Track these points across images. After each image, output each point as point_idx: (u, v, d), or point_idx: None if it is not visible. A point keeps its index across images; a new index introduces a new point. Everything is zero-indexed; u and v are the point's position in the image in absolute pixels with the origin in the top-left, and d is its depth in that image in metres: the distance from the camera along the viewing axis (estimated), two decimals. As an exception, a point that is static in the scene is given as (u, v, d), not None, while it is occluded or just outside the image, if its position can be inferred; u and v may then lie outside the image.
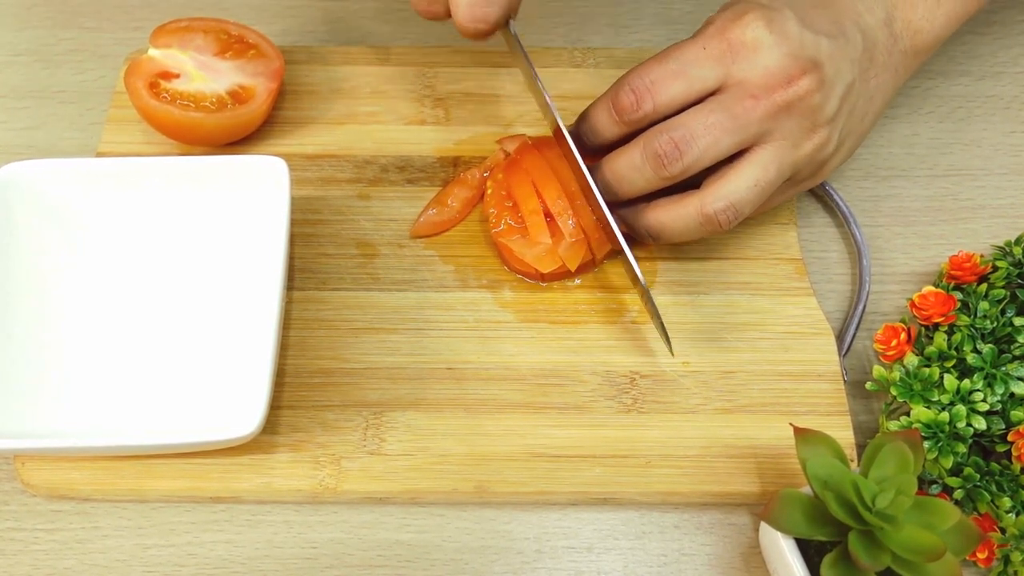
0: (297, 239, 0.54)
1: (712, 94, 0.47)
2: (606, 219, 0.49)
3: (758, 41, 0.46)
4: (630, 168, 0.48)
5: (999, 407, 0.46)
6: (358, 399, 0.49)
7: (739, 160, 0.47)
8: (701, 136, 0.46)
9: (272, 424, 0.48)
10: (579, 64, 0.61)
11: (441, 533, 0.48)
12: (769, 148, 0.47)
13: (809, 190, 0.58)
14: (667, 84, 0.47)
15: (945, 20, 0.51)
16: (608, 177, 0.49)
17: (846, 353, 0.52)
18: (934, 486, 0.47)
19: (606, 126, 0.49)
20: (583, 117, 0.50)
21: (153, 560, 0.47)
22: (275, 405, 0.49)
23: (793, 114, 0.46)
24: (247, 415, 0.44)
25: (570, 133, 0.49)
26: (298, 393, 0.50)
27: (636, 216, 0.50)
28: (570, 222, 0.51)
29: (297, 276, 0.53)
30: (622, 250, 0.49)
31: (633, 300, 0.53)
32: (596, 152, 0.50)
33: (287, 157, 0.51)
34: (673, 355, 0.50)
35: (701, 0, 0.66)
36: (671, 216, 0.48)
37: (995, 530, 0.45)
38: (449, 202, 0.55)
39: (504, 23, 0.47)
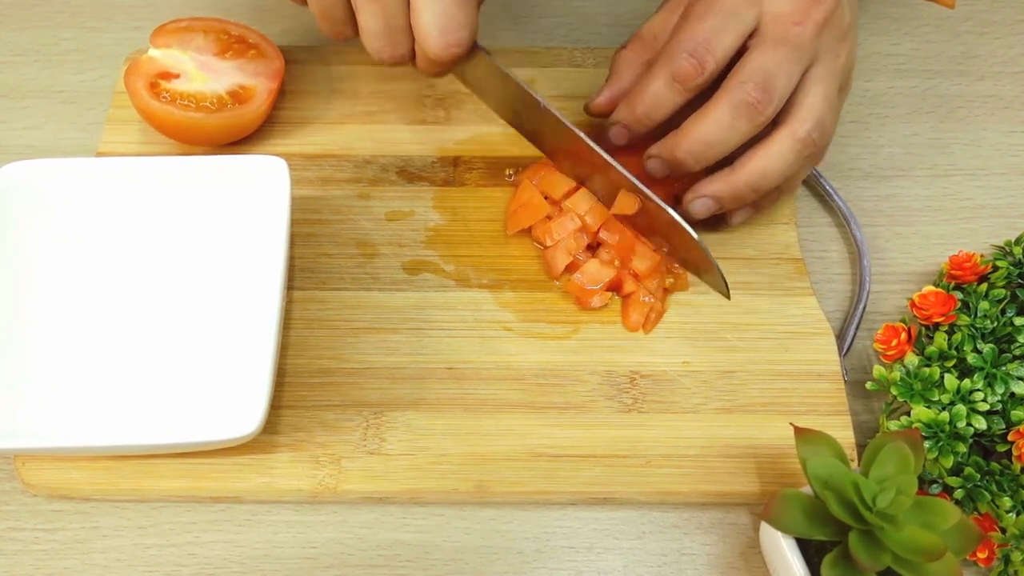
0: (297, 239, 0.54)
1: (751, 35, 0.49)
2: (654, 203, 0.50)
3: None
4: (720, 128, 0.48)
5: (999, 407, 0.46)
6: (358, 399, 0.49)
7: (803, 85, 0.49)
8: (778, 74, 0.48)
9: (272, 424, 0.48)
10: (579, 64, 0.61)
11: (441, 533, 0.48)
12: (820, 65, 0.49)
13: (808, 190, 0.58)
14: (719, 39, 0.48)
15: None
16: (693, 147, 0.49)
17: (846, 353, 0.52)
18: (934, 486, 0.47)
19: (667, 100, 0.50)
20: (631, 105, 0.51)
21: (153, 560, 0.47)
22: (275, 405, 0.49)
23: (830, 29, 0.49)
24: (247, 415, 0.44)
25: (591, 136, 0.50)
26: (298, 393, 0.50)
27: (729, 179, 0.50)
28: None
29: (297, 276, 0.53)
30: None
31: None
32: (624, 148, 0.52)
33: (287, 157, 0.51)
34: (729, 299, 0.52)
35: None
36: (768, 159, 0.49)
37: (995, 530, 0.45)
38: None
39: (473, 44, 0.47)
